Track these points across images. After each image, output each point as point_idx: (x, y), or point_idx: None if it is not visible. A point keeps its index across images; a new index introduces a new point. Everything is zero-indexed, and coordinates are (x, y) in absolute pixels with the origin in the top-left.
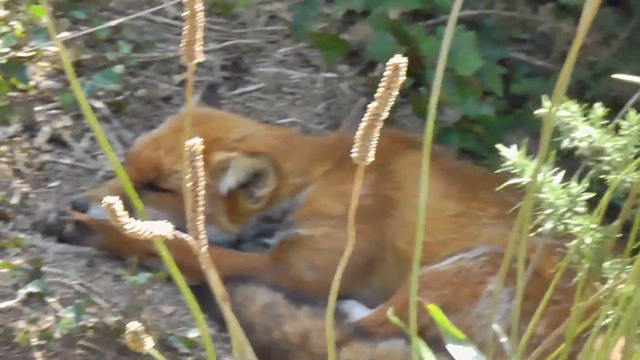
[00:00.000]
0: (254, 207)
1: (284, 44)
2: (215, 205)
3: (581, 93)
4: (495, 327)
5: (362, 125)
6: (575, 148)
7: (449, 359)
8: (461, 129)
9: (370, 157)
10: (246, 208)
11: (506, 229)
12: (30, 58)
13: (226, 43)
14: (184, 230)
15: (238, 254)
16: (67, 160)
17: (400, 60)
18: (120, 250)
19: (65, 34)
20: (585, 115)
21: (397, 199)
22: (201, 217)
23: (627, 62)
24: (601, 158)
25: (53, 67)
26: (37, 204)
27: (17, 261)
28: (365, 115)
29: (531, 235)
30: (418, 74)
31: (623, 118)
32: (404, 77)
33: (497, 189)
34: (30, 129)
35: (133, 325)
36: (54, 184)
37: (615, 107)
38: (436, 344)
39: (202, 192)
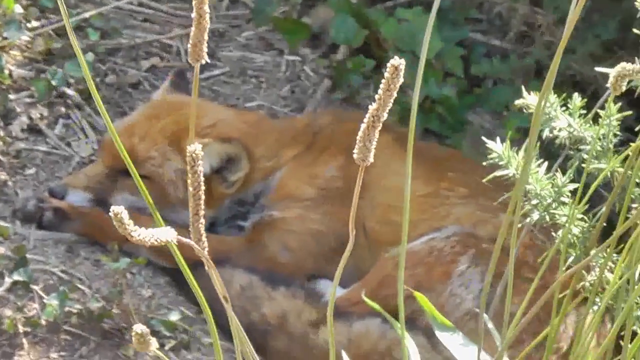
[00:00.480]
0: (227, 192)
1: (246, 28)
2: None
3: (539, 73)
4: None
5: (363, 126)
6: (555, 137)
7: (425, 337)
8: (424, 109)
9: (371, 157)
10: (220, 192)
11: (475, 209)
12: (2, 48)
13: (191, 28)
14: (160, 216)
15: (213, 237)
16: (43, 148)
17: (399, 62)
18: (99, 236)
19: (35, 24)
20: (564, 106)
21: (367, 181)
22: (202, 220)
23: (583, 42)
24: (581, 147)
25: (24, 56)
26: (16, 191)
27: (0, 249)
28: (366, 116)
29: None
30: (379, 56)
31: (601, 108)
32: (372, 60)
33: (484, 180)
34: (5, 117)
35: (139, 327)
36: (31, 171)
37: (573, 85)
38: (411, 322)
39: (203, 197)
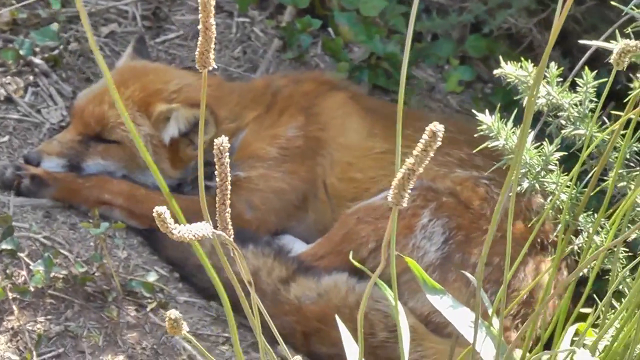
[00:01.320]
0: (194, 154)
1: None
2: (158, 153)
3: (479, 28)
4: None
5: (399, 175)
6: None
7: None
8: (370, 66)
9: (404, 203)
10: (187, 154)
11: (432, 164)
12: None
13: None
14: (130, 179)
15: (182, 197)
16: (14, 116)
17: (438, 128)
18: (74, 200)
19: None
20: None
21: (325, 139)
22: (229, 209)
23: None
24: (559, 113)
25: None
26: None
27: None
28: (402, 168)
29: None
30: (325, 16)
31: (577, 75)
32: (319, 20)
33: (474, 151)
34: None
35: (173, 314)
36: (4, 139)
37: (509, 39)
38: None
39: (229, 187)
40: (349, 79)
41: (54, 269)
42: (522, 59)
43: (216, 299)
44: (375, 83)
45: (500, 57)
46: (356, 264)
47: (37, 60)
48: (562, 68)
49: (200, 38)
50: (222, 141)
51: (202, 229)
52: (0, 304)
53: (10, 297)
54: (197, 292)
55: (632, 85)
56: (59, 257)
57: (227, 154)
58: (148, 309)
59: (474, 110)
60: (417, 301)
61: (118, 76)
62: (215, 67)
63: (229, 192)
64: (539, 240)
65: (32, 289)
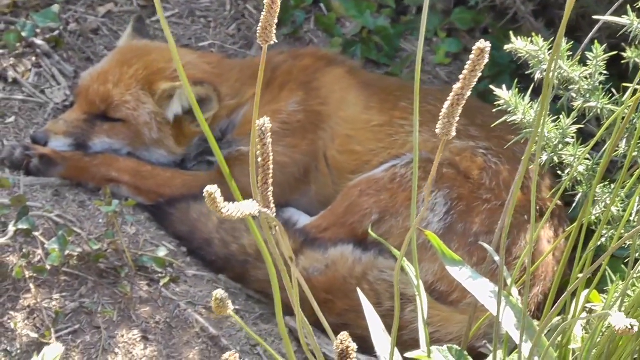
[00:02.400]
0: (197, 130)
1: None
2: (163, 130)
3: (464, 1)
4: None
5: (447, 104)
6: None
7: (393, 260)
8: (362, 40)
9: (454, 132)
10: (191, 131)
11: (430, 136)
12: None
13: None
14: (136, 156)
15: (187, 173)
16: (19, 97)
17: (485, 45)
18: (82, 178)
19: None
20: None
21: (326, 113)
22: (271, 188)
23: None
24: (570, 87)
25: None
26: (0, 140)
27: None
28: (450, 94)
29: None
30: None
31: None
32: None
33: (493, 125)
34: None
35: (219, 294)
36: (10, 119)
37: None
38: (377, 246)
39: (272, 166)
40: (342, 52)
41: (68, 247)
42: (512, 32)
43: (225, 271)
44: (367, 57)
45: (511, 33)
46: (374, 235)
47: (38, 41)
48: (572, 43)
49: (264, 13)
50: (264, 122)
51: (249, 207)
52: (16, 283)
53: (27, 276)
54: (205, 265)
55: (625, 55)
56: (72, 235)
57: (269, 134)
58: (160, 284)
59: (492, 86)
60: (422, 270)
61: (120, 55)
62: (276, 41)
63: (271, 171)
64: (537, 208)
65: (48, 267)
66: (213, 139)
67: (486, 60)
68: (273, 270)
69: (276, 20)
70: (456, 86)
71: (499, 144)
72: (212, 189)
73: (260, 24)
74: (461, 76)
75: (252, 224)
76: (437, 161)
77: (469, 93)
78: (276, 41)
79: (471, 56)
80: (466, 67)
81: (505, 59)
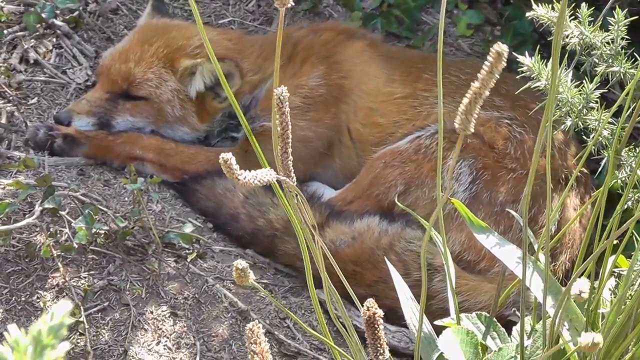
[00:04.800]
0: (220, 106)
1: None
2: (185, 107)
3: None
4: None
5: (465, 100)
6: (567, 44)
7: (420, 230)
8: (383, 14)
9: (472, 128)
10: (213, 107)
11: (454, 107)
12: None
13: None
14: (159, 134)
15: (211, 149)
16: (41, 77)
17: (502, 48)
18: (106, 157)
19: None
20: (572, 16)
21: (348, 87)
22: (291, 157)
23: None
24: (592, 52)
25: None
26: (24, 121)
27: (22, 179)
28: (468, 92)
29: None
30: None
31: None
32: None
33: (517, 92)
34: (3, 51)
35: (240, 264)
36: (33, 101)
37: None
38: (403, 217)
39: (290, 135)
40: (363, 26)
41: (95, 225)
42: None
43: (252, 246)
44: (388, 30)
45: (532, 1)
46: (402, 205)
47: (58, 22)
48: (592, 9)
49: None
50: (282, 91)
51: (267, 175)
52: (45, 262)
53: (55, 255)
54: (232, 241)
55: None
56: (98, 213)
57: (287, 102)
58: (188, 260)
59: (514, 53)
60: (449, 240)
61: (141, 34)
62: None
63: (290, 140)
64: (562, 176)
65: (75, 246)
66: (240, 113)
67: (504, 64)
68: (302, 239)
69: None
70: (474, 85)
71: (523, 113)
72: (227, 156)
73: None
74: (479, 75)
75: (281, 194)
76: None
77: (487, 93)
78: (293, 4)
79: (489, 58)
80: (484, 68)
81: (527, 28)
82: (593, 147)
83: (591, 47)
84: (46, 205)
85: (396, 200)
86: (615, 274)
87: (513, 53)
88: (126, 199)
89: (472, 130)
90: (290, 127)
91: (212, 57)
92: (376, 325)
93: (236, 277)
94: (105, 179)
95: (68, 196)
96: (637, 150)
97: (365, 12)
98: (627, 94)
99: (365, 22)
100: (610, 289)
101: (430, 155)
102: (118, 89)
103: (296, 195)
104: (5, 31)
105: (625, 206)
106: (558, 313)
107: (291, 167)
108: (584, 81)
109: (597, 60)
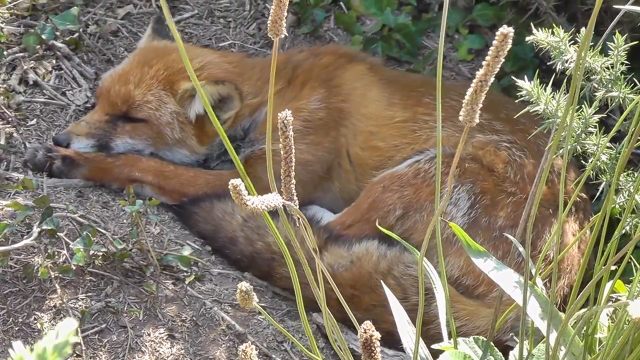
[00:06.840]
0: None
1: None
2: (185, 130)
3: None
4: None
5: (470, 90)
6: (566, 69)
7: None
8: (384, 38)
9: (477, 119)
10: (213, 130)
11: (453, 131)
12: None
13: None
14: (158, 156)
15: (210, 172)
16: (41, 99)
17: (508, 30)
18: (105, 179)
19: None
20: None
21: (348, 110)
22: (294, 181)
23: None
24: (592, 77)
25: (11, 13)
26: (23, 143)
27: (21, 200)
28: (474, 80)
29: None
30: None
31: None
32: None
33: (515, 116)
34: (2, 72)
35: (244, 286)
36: (32, 122)
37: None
38: (406, 241)
39: (294, 159)
40: (363, 49)
41: (93, 247)
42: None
43: (250, 269)
44: (388, 54)
45: (532, 25)
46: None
47: (58, 44)
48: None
49: (273, 6)
50: (286, 114)
51: (273, 199)
52: (42, 283)
53: (53, 276)
54: (230, 264)
55: None
56: (96, 235)
57: (291, 127)
58: (186, 283)
59: (513, 77)
60: (447, 265)
61: (141, 56)
62: (286, 34)
63: (293, 164)
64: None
65: (73, 267)
66: (226, 138)
67: (509, 46)
68: (291, 263)
69: (286, 14)
70: (479, 72)
71: (523, 137)
72: (237, 182)
73: (270, 18)
74: (484, 62)
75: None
76: (460, 150)
77: (492, 79)
78: (286, 34)
79: (494, 41)
80: (489, 52)
81: (528, 54)
82: (592, 172)
83: (591, 72)
84: (44, 227)
85: (389, 229)
86: (613, 299)
87: (513, 78)
88: (124, 221)
89: (477, 121)
90: (293, 150)
91: (194, 78)
92: (373, 348)
93: (240, 300)
94: (103, 200)
95: (66, 218)
96: (635, 175)
97: (366, 36)
98: (625, 119)
99: (366, 46)
100: (607, 314)
101: (429, 179)
102: (117, 111)
103: (298, 219)
104: (5, 52)
105: (623, 231)
106: (560, 339)
107: (294, 191)
108: (582, 106)
109: (596, 85)
